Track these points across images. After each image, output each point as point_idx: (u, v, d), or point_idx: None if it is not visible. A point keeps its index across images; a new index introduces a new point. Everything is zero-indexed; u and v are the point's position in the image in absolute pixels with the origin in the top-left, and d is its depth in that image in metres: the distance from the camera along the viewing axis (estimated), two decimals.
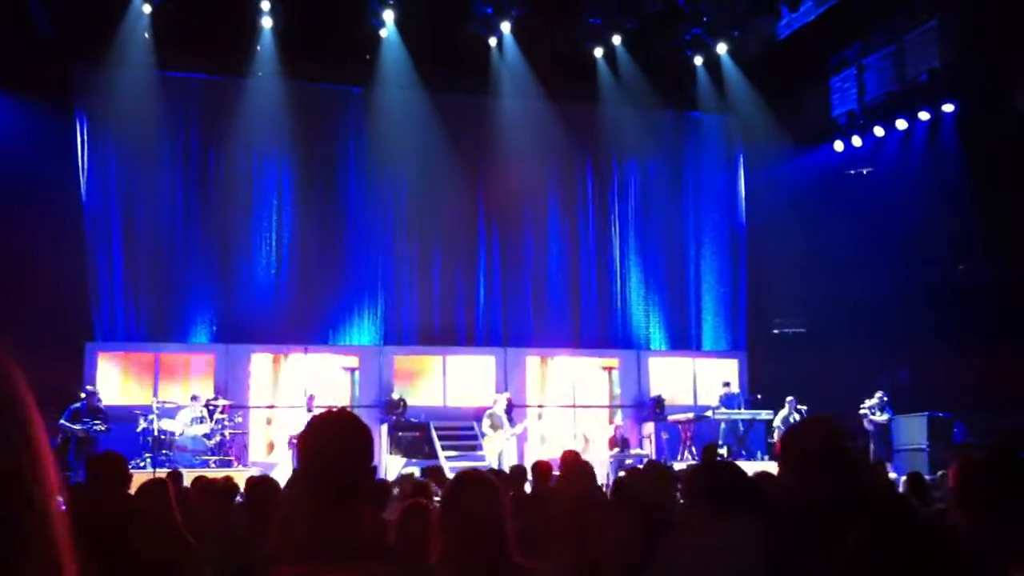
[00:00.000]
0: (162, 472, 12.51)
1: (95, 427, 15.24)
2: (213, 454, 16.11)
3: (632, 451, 17.57)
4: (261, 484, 6.73)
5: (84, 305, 18.03)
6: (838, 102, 19.94)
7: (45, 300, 16.47)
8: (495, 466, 15.62)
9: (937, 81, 17.75)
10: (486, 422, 16.78)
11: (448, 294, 20.35)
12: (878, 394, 17.43)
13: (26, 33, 16.40)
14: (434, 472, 8.24)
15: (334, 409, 3.02)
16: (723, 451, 15.77)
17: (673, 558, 3.86)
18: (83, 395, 15.58)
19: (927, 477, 10.46)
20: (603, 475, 16.56)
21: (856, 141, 19.73)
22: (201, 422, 16.37)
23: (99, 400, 15.94)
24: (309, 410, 16.31)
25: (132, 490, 6.70)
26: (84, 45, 17.62)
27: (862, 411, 17.30)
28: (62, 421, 15.05)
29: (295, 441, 15.47)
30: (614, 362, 20.51)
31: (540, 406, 19.67)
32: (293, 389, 18.37)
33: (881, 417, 17.23)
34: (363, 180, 19.97)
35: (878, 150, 19.55)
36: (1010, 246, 16.18)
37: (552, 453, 15.45)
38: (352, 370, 19.11)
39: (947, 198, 17.51)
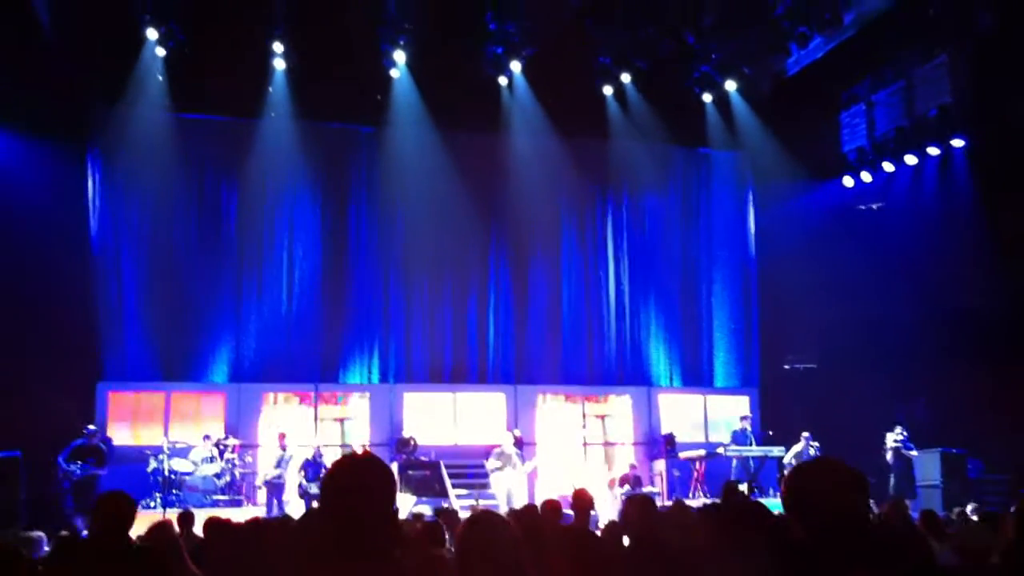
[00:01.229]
0: (172, 512, 12.49)
1: (91, 468, 15.07)
2: (224, 493, 16.06)
3: (644, 489, 17.43)
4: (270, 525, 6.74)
5: (95, 345, 18.04)
6: (848, 138, 19.97)
7: (57, 340, 16.52)
8: (504, 504, 15.55)
9: (947, 116, 17.78)
10: (494, 461, 16.71)
11: (459, 332, 20.34)
12: (897, 428, 17.31)
13: (41, 74, 16.52)
14: (447, 514, 8.18)
15: (358, 452, 3.01)
16: (743, 487, 15.62)
17: None
18: (85, 433, 15.47)
19: (941, 514, 10.38)
20: (614, 513, 16.46)
21: (866, 177, 19.75)
22: (212, 461, 16.35)
23: (101, 440, 15.87)
24: (282, 448, 16.24)
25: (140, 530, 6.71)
26: (98, 86, 17.77)
27: (889, 445, 17.16)
28: (60, 459, 14.95)
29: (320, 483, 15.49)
30: (608, 408, 20.45)
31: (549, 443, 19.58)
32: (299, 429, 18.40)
33: (911, 453, 17.09)
34: (375, 219, 20.02)
35: (888, 185, 19.57)
36: (1021, 278, 16.14)
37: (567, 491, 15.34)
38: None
39: (957, 231, 17.50)
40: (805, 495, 3.12)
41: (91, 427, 15.80)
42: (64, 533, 9.52)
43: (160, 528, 7.06)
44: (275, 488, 16.00)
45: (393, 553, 2.72)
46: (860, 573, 2.63)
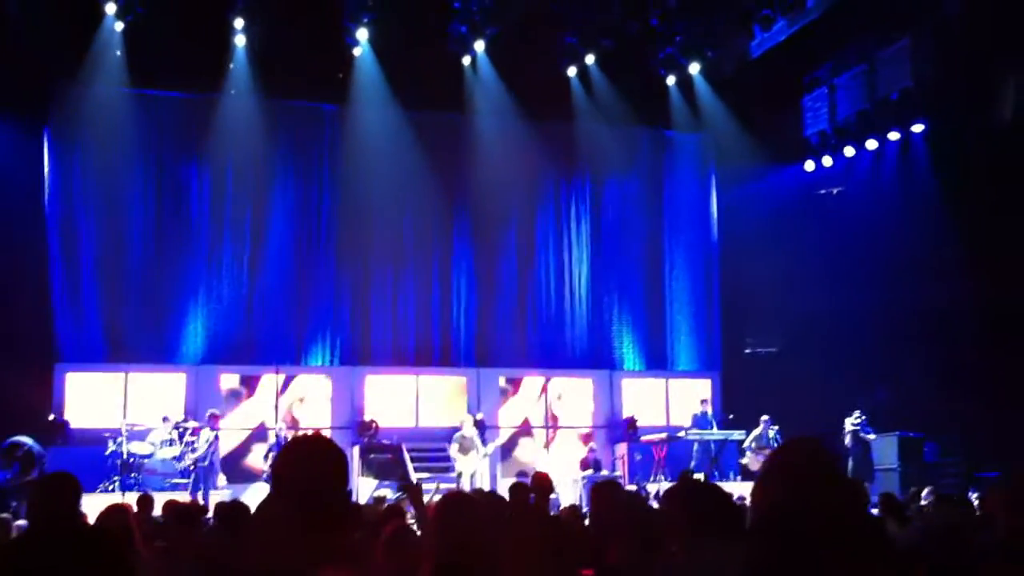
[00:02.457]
0: (131, 496, 12.36)
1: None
2: (183, 477, 15.88)
3: (603, 472, 17.49)
4: (232, 509, 6.64)
5: (52, 326, 17.80)
6: (810, 121, 20.04)
7: (13, 321, 16.29)
8: (466, 487, 15.54)
9: (908, 100, 17.88)
10: (454, 446, 16.69)
11: (422, 314, 20.26)
12: (856, 412, 17.46)
13: None
14: (411, 489, 8.13)
15: (309, 433, 2.96)
16: (699, 476, 15.69)
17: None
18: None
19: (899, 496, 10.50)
20: (576, 496, 16.52)
21: (827, 161, 19.85)
22: (171, 444, 16.16)
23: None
24: (212, 429, 15.90)
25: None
26: (55, 61, 17.47)
27: (847, 429, 17.31)
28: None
29: (271, 465, 15.32)
30: (569, 391, 20.42)
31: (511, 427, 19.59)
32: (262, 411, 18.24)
33: (869, 436, 17.23)
34: (338, 198, 19.85)
35: (850, 170, 19.68)
36: (981, 264, 16.29)
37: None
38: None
39: (918, 217, 17.63)
40: (788, 475, 3.10)
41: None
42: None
43: (113, 512, 6.93)
44: (205, 471, 15.52)
45: (347, 532, 2.68)
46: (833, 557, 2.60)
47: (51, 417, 16.53)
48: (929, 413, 16.72)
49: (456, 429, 17.09)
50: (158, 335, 18.64)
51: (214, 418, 16.06)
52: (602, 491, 4.85)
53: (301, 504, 2.61)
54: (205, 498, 14.16)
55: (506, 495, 8.46)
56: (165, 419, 16.49)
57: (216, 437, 15.80)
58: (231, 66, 18.59)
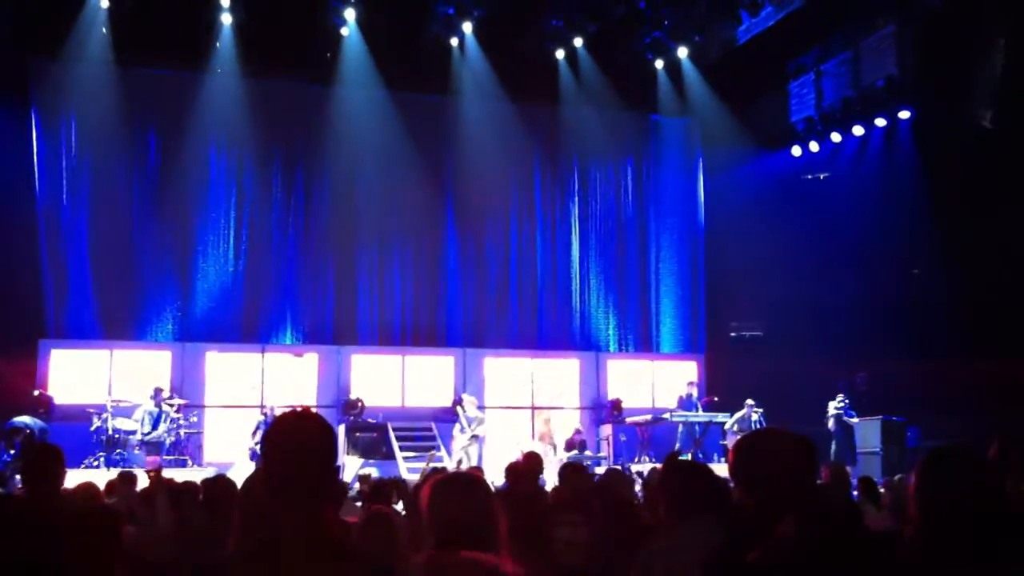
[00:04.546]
0: (115, 472, 12.38)
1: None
2: (168, 453, 15.92)
3: (587, 453, 17.57)
4: (218, 484, 6.67)
5: (38, 301, 17.78)
6: (796, 107, 20.07)
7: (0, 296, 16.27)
8: (454, 468, 15.62)
9: (893, 87, 17.94)
10: (456, 427, 16.85)
11: (408, 294, 20.29)
12: (839, 396, 17.59)
13: None
14: (395, 483, 8.21)
15: (298, 409, 3.00)
16: (687, 457, 15.80)
17: (647, 560, 3.86)
18: None
19: (880, 480, 10.59)
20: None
21: (813, 147, 19.90)
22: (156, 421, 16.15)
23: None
24: (157, 404, 15.93)
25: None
26: (39, 38, 17.40)
27: (830, 413, 17.44)
28: None
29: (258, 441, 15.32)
30: (555, 372, 20.49)
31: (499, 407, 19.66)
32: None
33: (852, 420, 17.37)
34: (325, 179, 19.84)
35: (835, 156, 19.74)
36: (963, 252, 16.39)
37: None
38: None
39: (902, 204, 17.72)
40: (752, 465, 3.16)
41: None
42: None
43: (84, 490, 6.91)
44: (154, 447, 15.53)
45: (333, 507, 2.73)
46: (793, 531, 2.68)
47: (36, 392, 16.53)
48: (910, 398, 16.84)
49: (446, 409, 17.19)
50: (143, 313, 18.64)
51: (159, 391, 16.07)
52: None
53: (288, 479, 2.66)
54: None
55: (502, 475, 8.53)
56: (157, 391, 16.30)
57: (162, 412, 15.78)
58: (217, 44, 18.50)
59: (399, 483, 8.47)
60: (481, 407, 18.09)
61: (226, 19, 18.19)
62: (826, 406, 17.57)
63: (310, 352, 19.16)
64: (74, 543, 4.65)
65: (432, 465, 14.59)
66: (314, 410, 14.60)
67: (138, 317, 18.62)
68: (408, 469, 15.05)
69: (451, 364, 19.66)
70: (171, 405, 16.32)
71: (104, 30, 17.76)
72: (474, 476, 3.47)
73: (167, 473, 12.02)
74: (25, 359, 17.08)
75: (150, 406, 15.91)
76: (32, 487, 4.90)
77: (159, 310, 18.78)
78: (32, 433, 14.85)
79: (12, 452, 14.55)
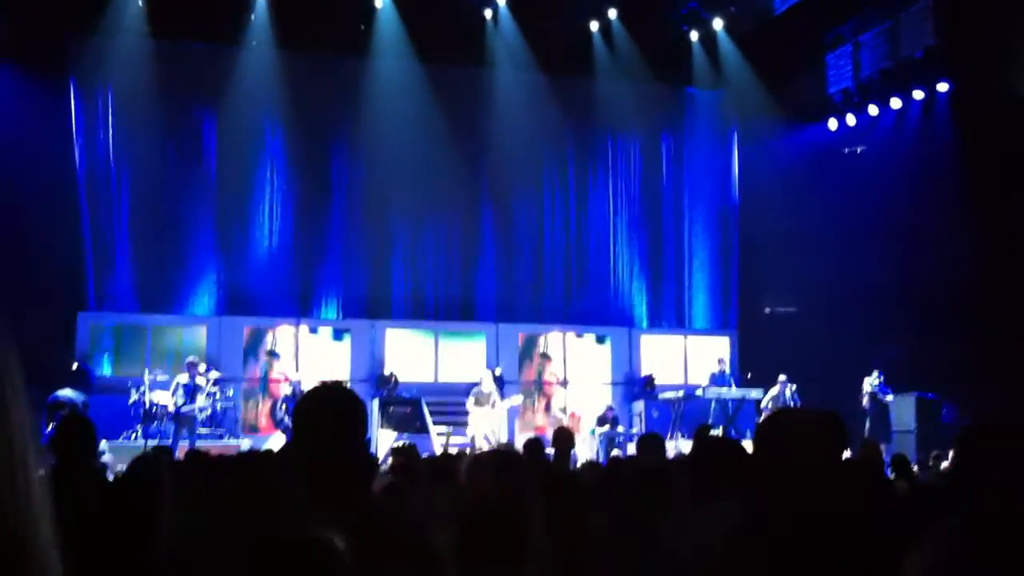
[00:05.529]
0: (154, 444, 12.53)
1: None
2: (205, 426, 16.08)
3: (619, 429, 17.59)
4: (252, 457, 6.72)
5: (78, 275, 17.97)
6: (833, 79, 19.82)
7: (39, 270, 16.43)
8: (480, 444, 15.68)
9: (932, 59, 17.68)
10: (471, 399, 16.83)
11: (441, 269, 20.31)
12: (875, 373, 17.42)
13: (17, 1, 16.26)
14: (409, 450, 8.21)
15: (328, 382, 3.01)
16: (718, 432, 15.76)
17: (677, 537, 3.86)
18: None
19: (914, 458, 10.53)
20: (593, 452, 16.63)
21: (850, 120, 19.67)
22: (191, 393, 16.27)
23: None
24: (191, 378, 15.76)
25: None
26: (76, 11, 17.46)
27: (865, 390, 17.30)
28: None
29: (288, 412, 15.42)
30: (588, 347, 20.47)
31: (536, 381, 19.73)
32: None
33: (887, 397, 17.23)
34: (359, 152, 19.86)
35: (872, 129, 19.50)
36: (1000, 229, 16.17)
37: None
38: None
39: (939, 179, 17.49)
40: (775, 445, 3.13)
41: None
42: None
43: (143, 460, 7.05)
44: (188, 420, 15.54)
45: (364, 479, 2.74)
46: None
47: (75, 365, 16.72)
48: (947, 374, 16.67)
49: (475, 384, 17.22)
50: (179, 286, 18.80)
51: (192, 365, 16.04)
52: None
53: (318, 452, 2.67)
54: (191, 445, 14.19)
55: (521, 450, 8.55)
56: (191, 364, 16.42)
57: (195, 386, 15.80)
58: (252, 17, 18.54)
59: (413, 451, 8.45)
60: (511, 381, 18.14)
61: None
62: (860, 382, 17.42)
63: (344, 326, 19.24)
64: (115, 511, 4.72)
65: (454, 440, 14.64)
66: (346, 384, 14.71)
67: (176, 290, 18.80)
68: (441, 444, 15.12)
69: (483, 339, 19.69)
70: (206, 379, 16.40)
71: (140, 2, 17.83)
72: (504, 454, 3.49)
73: (204, 445, 12.16)
74: (65, 331, 17.26)
75: (185, 379, 16.01)
76: (63, 459, 4.96)
77: (196, 283, 18.94)
78: (75, 406, 15.02)
79: (53, 425, 14.69)
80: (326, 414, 2.71)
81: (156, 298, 18.54)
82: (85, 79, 18.34)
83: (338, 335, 19.17)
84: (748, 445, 4.25)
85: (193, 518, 5.81)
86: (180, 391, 15.66)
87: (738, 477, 3.88)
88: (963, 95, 17.49)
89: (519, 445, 15.77)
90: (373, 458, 8.27)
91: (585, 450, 16.77)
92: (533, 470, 7.37)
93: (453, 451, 12.01)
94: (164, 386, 16.20)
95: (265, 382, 18.41)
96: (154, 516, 5.10)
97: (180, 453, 10.77)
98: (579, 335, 20.50)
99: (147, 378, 16.03)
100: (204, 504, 6.06)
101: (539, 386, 19.91)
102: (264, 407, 18.18)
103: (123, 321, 18.18)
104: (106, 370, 17.38)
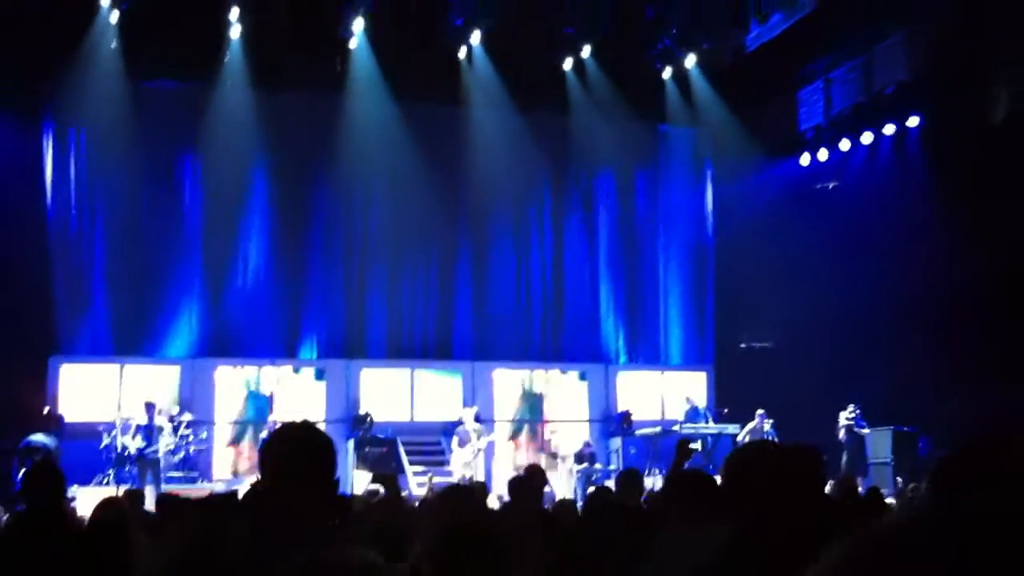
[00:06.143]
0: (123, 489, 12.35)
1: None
2: (178, 470, 15.89)
3: (596, 466, 17.49)
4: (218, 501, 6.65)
5: (49, 318, 17.78)
6: (806, 115, 20.02)
7: (9, 312, 16.25)
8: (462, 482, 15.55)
9: (904, 94, 17.86)
10: (454, 439, 16.75)
11: (417, 307, 20.23)
12: (850, 407, 17.45)
13: None
14: (388, 480, 8.11)
15: (296, 421, 2.95)
16: (696, 445, 15.64)
17: (650, 568, 3.81)
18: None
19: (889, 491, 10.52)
20: (570, 489, 16.54)
21: (822, 155, 19.81)
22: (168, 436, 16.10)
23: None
24: (149, 420, 15.69)
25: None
26: (51, 53, 17.40)
27: (841, 423, 17.31)
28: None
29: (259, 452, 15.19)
30: (563, 385, 20.40)
31: (511, 420, 19.62)
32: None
33: (863, 431, 17.26)
34: (334, 191, 19.80)
35: (844, 164, 19.65)
36: (974, 259, 16.25)
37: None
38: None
39: (913, 211, 17.59)
40: (746, 480, 3.08)
41: None
42: None
43: (108, 504, 6.94)
44: (151, 463, 15.32)
45: (332, 519, 2.68)
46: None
47: (46, 410, 16.50)
48: (923, 408, 16.68)
49: (455, 423, 17.13)
50: (152, 328, 18.63)
51: (150, 407, 15.83)
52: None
53: (286, 491, 2.61)
54: (156, 490, 14.00)
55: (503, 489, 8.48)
56: (149, 406, 16.09)
57: (153, 427, 15.58)
58: (226, 57, 18.51)
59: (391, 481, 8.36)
60: (487, 419, 18.05)
61: (235, 32, 18.19)
62: (837, 416, 17.44)
63: (319, 366, 19.12)
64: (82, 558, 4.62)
65: (436, 479, 14.55)
66: (320, 424, 14.58)
67: (148, 332, 18.61)
68: (418, 484, 15.00)
69: (459, 378, 19.59)
70: (178, 421, 16.21)
71: (114, 44, 17.78)
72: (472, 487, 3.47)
73: (176, 489, 12.00)
74: (35, 376, 17.06)
75: (143, 420, 15.71)
76: (32, 506, 4.86)
77: (168, 325, 18.76)
78: (49, 451, 14.79)
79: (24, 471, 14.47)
80: (293, 453, 2.64)
81: (128, 340, 18.35)
82: (58, 120, 18.26)
83: (320, 375, 19.03)
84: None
85: (167, 559, 5.69)
86: (139, 433, 15.43)
87: (712, 508, 3.84)
88: (934, 128, 17.65)
89: (497, 483, 15.74)
90: (343, 497, 8.15)
91: (562, 487, 16.69)
92: (519, 506, 7.33)
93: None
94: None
95: (249, 424, 18.20)
96: (122, 561, 5.01)
97: (149, 497, 10.61)
98: (561, 372, 20.43)
99: (119, 422, 15.82)
100: (175, 546, 5.95)
101: (524, 424, 19.80)
102: (246, 449, 17.96)
103: (95, 364, 17.97)
104: (78, 414, 17.12)
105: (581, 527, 5.85)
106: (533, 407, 19.96)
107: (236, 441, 18.17)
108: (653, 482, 15.26)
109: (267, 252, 19.47)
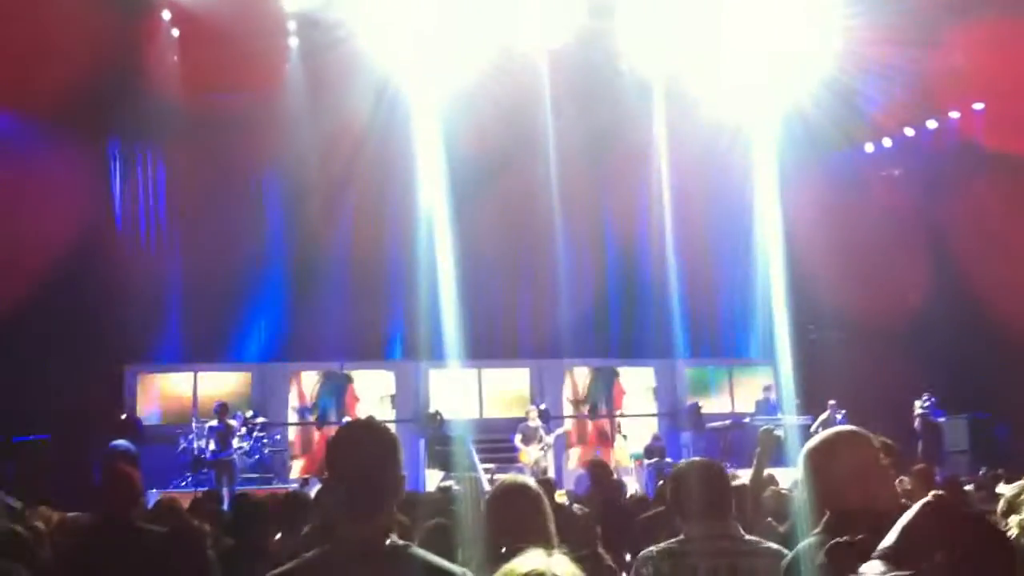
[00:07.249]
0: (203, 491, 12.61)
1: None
2: (254, 471, 16.20)
3: (667, 460, 17.42)
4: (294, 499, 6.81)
5: (123, 329, 18.13)
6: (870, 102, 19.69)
7: (84, 325, 16.61)
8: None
9: (966, 80, 17.52)
10: (518, 436, 16.84)
11: (484, 306, 20.10)
12: (924, 395, 17.20)
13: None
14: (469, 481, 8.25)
15: (360, 419, 3.04)
16: (780, 432, 15.45)
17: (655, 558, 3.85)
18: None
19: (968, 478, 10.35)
20: (641, 484, 16.53)
21: (886, 142, 19.53)
22: (244, 440, 16.39)
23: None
24: (220, 422, 15.76)
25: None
26: (115, 67, 17.66)
27: (916, 412, 17.08)
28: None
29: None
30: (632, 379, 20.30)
31: (575, 416, 19.64)
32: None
33: (938, 419, 17.02)
34: (406, 189, 19.61)
35: (910, 150, 19.36)
36: None
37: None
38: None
39: (978, 197, 17.30)
40: (819, 474, 3.11)
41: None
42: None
43: (165, 505, 7.08)
44: (225, 465, 15.50)
45: (395, 514, 2.77)
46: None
47: (123, 416, 16.87)
48: (997, 395, 16.42)
49: (522, 420, 17.19)
50: (224, 335, 18.94)
51: (219, 409, 16.04)
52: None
53: (352, 488, 2.69)
54: (232, 491, 14.24)
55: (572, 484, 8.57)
56: (219, 407, 16.35)
57: (224, 428, 15.76)
58: (287, 65, 18.60)
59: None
60: (555, 416, 18.09)
61: (292, 42, 18.33)
62: (911, 406, 17.20)
63: (389, 368, 19.27)
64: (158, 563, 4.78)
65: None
66: (391, 425, 14.70)
67: (220, 339, 18.94)
68: (489, 480, 15.07)
69: (527, 375, 19.62)
70: (251, 424, 16.52)
71: (175, 58, 18.00)
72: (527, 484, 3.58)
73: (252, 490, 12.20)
74: (112, 385, 17.46)
75: (214, 422, 15.92)
76: (108, 509, 5.03)
77: (240, 331, 19.08)
78: (132, 457, 15.08)
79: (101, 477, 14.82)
80: (356, 450, 2.73)
81: (200, 347, 18.68)
82: (124, 134, 18.62)
83: (393, 375, 19.23)
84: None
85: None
86: (212, 436, 15.70)
87: (725, 503, 3.92)
88: (998, 113, 17.32)
89: (568, 477, 15.87)
90: (410, 494, 8.26)
91: (631, 481, 16.69)
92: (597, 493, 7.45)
93: None
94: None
95: (322, 425, 18.46)
96: (203, 558, 5.15)
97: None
98: (630, 367, 20.38)
99: (194, 426, 16.17)
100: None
101: (591, 420, 19.79)
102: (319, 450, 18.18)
103: (169, 371, 18.34)
104: (155, 420, 17.51)
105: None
106: (600, 402, 19.92)
107: (309, 443, 18.45)
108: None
109: (334, 260, 19.50)
